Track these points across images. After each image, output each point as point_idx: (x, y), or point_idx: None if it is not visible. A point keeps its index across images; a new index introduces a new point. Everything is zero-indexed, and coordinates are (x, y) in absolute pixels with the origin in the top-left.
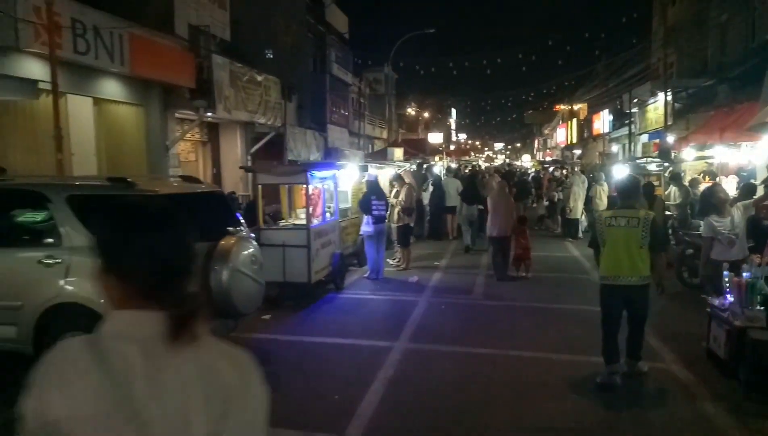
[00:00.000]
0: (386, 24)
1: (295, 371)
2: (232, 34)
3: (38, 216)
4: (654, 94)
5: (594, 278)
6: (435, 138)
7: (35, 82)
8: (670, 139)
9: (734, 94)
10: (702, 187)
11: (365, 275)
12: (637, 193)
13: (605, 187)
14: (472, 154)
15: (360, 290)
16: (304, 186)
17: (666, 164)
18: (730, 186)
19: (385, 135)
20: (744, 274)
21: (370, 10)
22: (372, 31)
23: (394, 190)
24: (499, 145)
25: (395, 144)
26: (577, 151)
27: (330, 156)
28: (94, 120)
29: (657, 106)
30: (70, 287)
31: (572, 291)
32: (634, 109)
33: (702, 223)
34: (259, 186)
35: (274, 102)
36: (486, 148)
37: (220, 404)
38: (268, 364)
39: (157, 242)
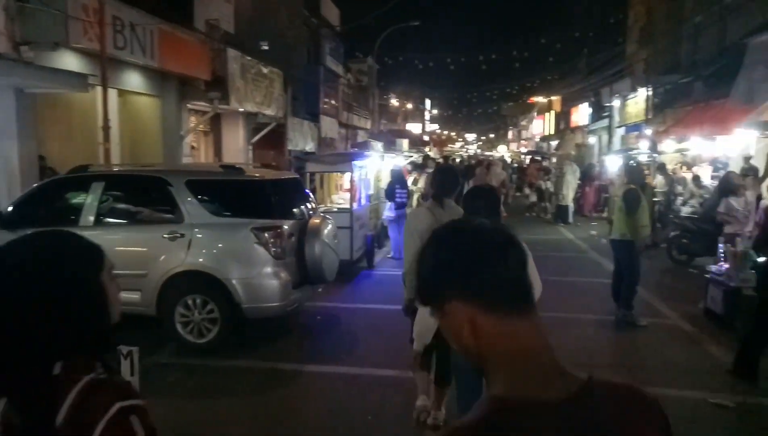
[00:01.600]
0: (371, 14)
1: (370, 330)
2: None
3: (161, 198)
4: (634, 90)
5: (591, 256)
6: (414, 129)
7: (86, 76)
8: (648, 132)
9: (709, 90)
10: (682, 176)
11: (389, 256)
12: (632, 175)
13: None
14: (449, 145)
15: (389, 268)
16: (346, 173)
17: (655, 155)
18: (705, 175)
19: (368, 125)
20: (739, 246)
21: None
22: (357, 21)
23: (412, 178)
24: (471, 137)
25: (380, 134)
26: (554, 143)
27: (322, 146)
28: (118, 111)
29: (637, 101)
30: (192, 258)
31: (575, 267)
32: (614, 103)
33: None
34: (308, 174)
35: (277, 94)
36: (460, 139)
37: None
38: (342, 326)
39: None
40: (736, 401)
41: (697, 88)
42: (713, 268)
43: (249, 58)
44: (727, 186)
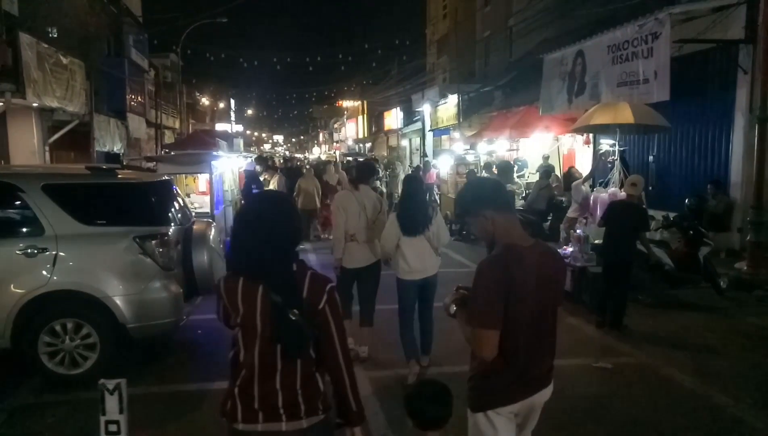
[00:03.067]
0: (176, 7)
1: None
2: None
3: (10, 207)
4: (444, 96)
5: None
6: (223, 129)
7: None
8: (457, 134)
9: (506, 99)
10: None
11: None
12: (507, 174)
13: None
14: (261, 146)
15: None
16: (203, 175)
17: (481, 155)
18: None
19: (176, 124)
20: (578, 231)
21: None
22: (160, 13)
23: (263, 178)
24: (278, 138)
25: (195, 135)
26: (368, 145)
27: (129, 148)
28: None
29: (448, 107)
30: (60, 275)
31: None
32: (425, 109)
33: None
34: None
35: (79, 88)
36: (269, 141)
37: (379, 203)
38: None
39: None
40: (613, 363)
41: (496, 96)
42: (558, 251)
43: (46, 45)
44: (571, 179)
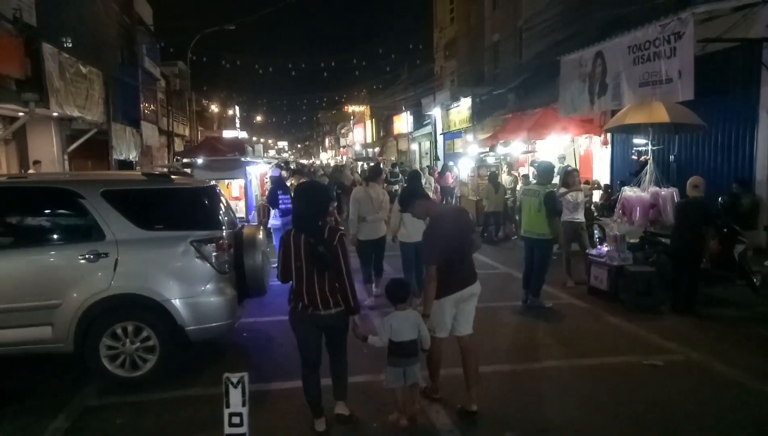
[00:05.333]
0: (184, 16)
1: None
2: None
3: (72, 213)
4: (456, 99)
5: None
6: (229, 136)
7: None
8: (470, 137)
9: (520, 101)
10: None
11: (274, 266)
12: (547, 175)
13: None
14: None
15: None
16: (237, 181)
17: (503, 157)
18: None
19: (186, 132)
20: (614, 231)
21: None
22: (169, 22)
23: (290, 183)
24: (282, 144)
25: (207, 142)
26: (377, 150)
27: (141, 156)
28: None
29: (460, 110)
30: (121, 280)
31: None
32: (435, 112)
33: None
34: None
35: (98, 97)
36: (273, 148)
37: (383, 195)
38: (277, 340)
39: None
40: (664, 360)
41: (509, 99)
42: (593, 251)
43: (66, 55)
44: (567, 181)
